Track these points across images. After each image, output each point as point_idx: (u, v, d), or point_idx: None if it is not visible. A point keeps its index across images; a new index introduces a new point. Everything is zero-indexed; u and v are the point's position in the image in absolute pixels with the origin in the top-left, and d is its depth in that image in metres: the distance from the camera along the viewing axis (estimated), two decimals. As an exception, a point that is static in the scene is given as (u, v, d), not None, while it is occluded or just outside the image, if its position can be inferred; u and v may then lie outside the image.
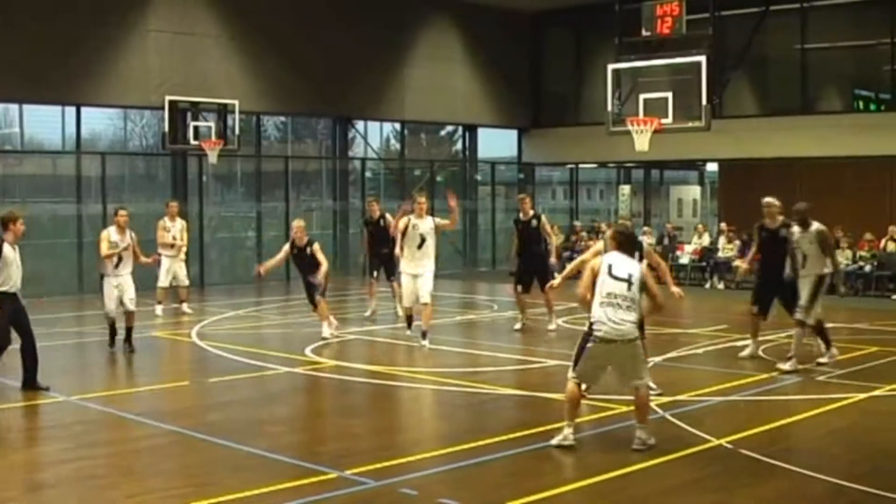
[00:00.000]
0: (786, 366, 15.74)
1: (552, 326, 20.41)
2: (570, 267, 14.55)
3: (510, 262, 22.38)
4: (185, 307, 23.34)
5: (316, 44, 31.84)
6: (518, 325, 20.71)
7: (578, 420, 11.74)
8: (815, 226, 16.16)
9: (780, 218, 16.83)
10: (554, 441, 11.26)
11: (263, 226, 32.76)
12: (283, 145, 35.61)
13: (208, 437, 11.80)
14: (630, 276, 11.28)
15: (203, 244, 30.26)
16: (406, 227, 18.81)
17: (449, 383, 15.05)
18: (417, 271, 18.79)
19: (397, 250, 19.16)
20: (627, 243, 11.93)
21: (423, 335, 18.41)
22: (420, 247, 18.76)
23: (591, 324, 11.25)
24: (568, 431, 11.25)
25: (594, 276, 11.39)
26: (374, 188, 36.81)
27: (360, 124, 35.54)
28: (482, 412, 13.75)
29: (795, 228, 16.27)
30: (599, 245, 14.20)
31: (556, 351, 17.79)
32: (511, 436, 11.70)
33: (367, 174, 36.15)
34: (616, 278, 11.27)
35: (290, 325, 22.05)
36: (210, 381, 15.68)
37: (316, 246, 19.42)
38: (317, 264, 19.32)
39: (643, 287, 11.34)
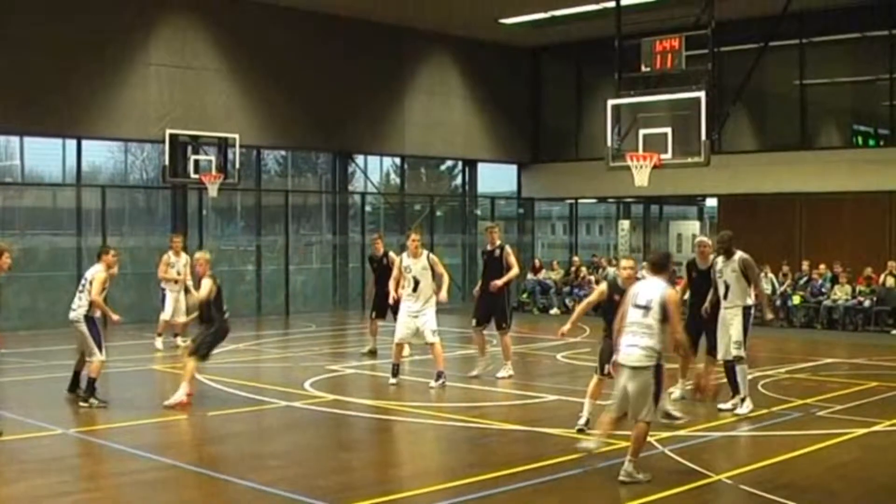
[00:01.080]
0: (743, 409, 15.37)
1: (503, 373, 18.91)
2: (577, 311, 14.53)
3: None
4: (179, 340, 23.18)
5: (316, 78, 31.95)
6: (476, 372, 19.14)
7: (582, 456, 11.79)
8: (739, 254, 15.78)
9: (712, 257, 16.41)
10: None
11: (263, 259, 32.77)
12: (283, 179, 35.61)
13: (206, 472, 11.78)
14: (649, 302, 11.35)
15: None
16: (400, 268, 18.55)
17: (448, 418, 15.03)
18: (414, 310, 18.23)
19: (394, 293, 18.73)
20: (657, 266, 11.91)
21: (438, 376, 17.91)
22: (415, 290, 18.22)
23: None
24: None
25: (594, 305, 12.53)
26: (374, 222, 36.81)
27: (359, 158, 35.57)
28: (482, 447, 13.72)
29: (719, 259, 16.00)
30: (603, 286, 14.36)
31: (555, 386, 17.80)
32: (511, 471, 11.66)
33: (367, 208, 36.16)
34: (636, 306, 11.45)
35: (289, 359, 22.03)
36: (209, 414, 15.64)
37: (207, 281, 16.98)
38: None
39: (665, 315, 11.32)
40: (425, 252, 18.54)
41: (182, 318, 23.02)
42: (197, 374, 16.65)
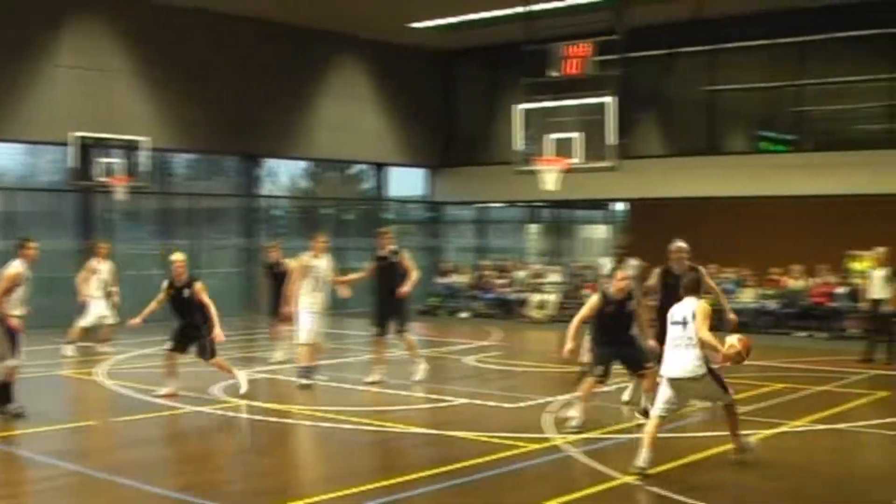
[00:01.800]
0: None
1: (418, 377, 18.80)
2: (573, 327, 14.44)
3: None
4: (103, 347, 22.94)
5: (225, 81, 31.74)
6: (372, 378, 18.74)
7: (492, 458, 11.81)
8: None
9: (688, 263, 16.55)
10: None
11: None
12: (192, 182, 35.34)
13: (114, 478, 11.62)
14: (685, 318, 12.17)
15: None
16: (305, 268, 18.58)
17: (358, 422, 14.97)
18: (315, 311, 18.35)
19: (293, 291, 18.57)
20: (689, 289, 12.60)
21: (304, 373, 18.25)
22: (317, 290, 18.40)
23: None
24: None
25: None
26: (283, 226, 36.63)
27: (269, 162, 35.40)
28: (391, 451, 13.71)
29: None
30: (595, 298, 14.68)
31: (464, 389, 17.81)
32: (419, 474, 11.64)
33: (276, 212, 35.98)
34: (674, 323, 12.28)
35: (198, 364, 21.80)
36: (117, 420, 15.49)
37: (198, 286, 17.61)
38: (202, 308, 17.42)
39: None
40: (327, 254, 18.75)
41: (111, 322, 22.83)
42: (108, 381, 16.47)
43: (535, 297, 32.53)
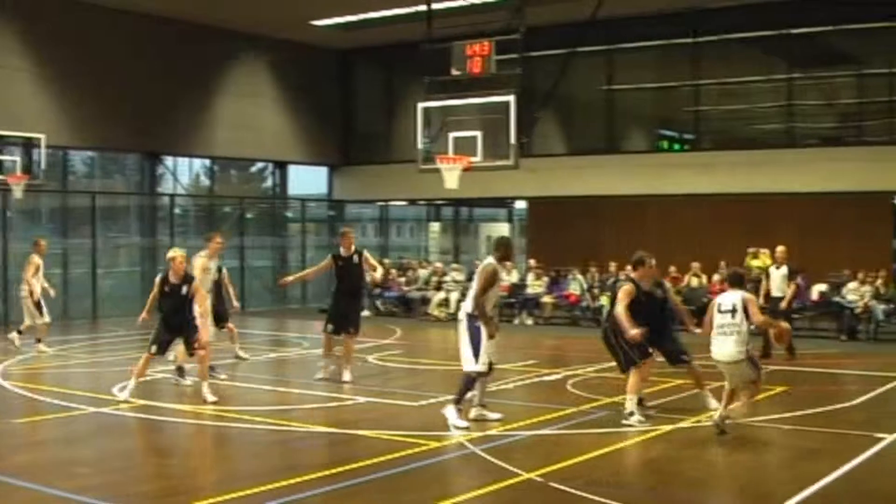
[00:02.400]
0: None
1: (348, 377, 18.69)
2: (625, 317, 14.72)
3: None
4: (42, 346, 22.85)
5: (125, 78, 31.44)
6: (320, 375, 18.89)
7: (395, 457, 11.81)
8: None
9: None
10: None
11: (70, 262, 32.08)
12: (91, 180, 34.95)
13: (11, 480, 11.45)
14: (733, 306, 13.67)
15: (7, 281, 29.48)
16: (205, 268, 18.67)
17: (259, 421, 14.91)
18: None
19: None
20: (734, 281, 14.28)
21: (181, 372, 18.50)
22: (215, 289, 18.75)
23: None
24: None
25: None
26: (184, 224, 36.37)
27: (168, 160, 35.13)
28: (293, 450, 13.64)
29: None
30: (629, 286, 15.21)
31: (366, 388, 17.79)
32: (322, 473, 11.61)
33: (177, 210, 35.71)
34: (722, 311, 13.76)
35: (97, 364, 21.61)
36: (14, 422, 15.28)
37: (196, 283, 17.10)
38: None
39: (747, 314, 13.63)
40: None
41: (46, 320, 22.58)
42: (4, 381, 16.22)
43: (438, 296, 32.57)
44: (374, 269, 19.59)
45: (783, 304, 22.29)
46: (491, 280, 14.51)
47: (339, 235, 19.80)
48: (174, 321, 16.79)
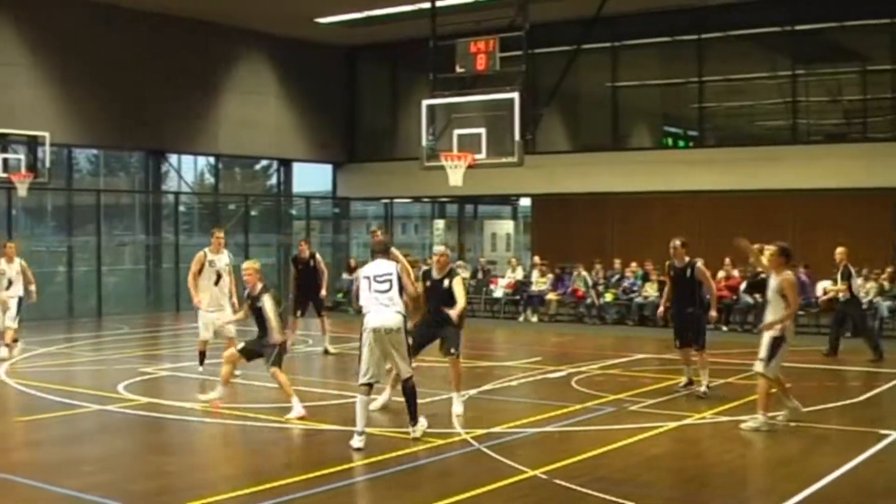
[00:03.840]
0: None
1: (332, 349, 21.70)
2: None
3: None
4: (3, 351, 21.74)
5: (129, 75, 31.45)
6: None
7: (400, 454, 11.82)
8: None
9: (687, 258, 17.29)
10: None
11: (75, 260, 32.12)
12: (95, 178, 34.97)
13: (15, 478, 11.47)
14: (772, 289, 14.28)
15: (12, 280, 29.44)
16: (203, 264, 18.69)
17: (264, 419, 14.92)
18: (215, 306, 18.65)
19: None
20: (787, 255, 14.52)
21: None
22: (217, 283, 18.65)
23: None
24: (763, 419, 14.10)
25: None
26: (188, 222, 36.40)
27: (173, 158, 35.13)
28: (299, 447, 13.67)
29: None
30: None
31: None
32: (327, 470, 11.61)
33: (181, 208, 35.73)
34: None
35: (102, 362, 21.63)
36: (19, 420, 15.30)
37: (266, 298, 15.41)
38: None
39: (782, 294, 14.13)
40: (226, 250, 19.15)
41: (14, 326, 22.01)
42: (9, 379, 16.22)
43: (442, 293, 32.50)
44: (324, 272, 22.59)
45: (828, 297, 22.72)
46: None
47: (300, 242, 21.17)
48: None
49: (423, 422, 13.52)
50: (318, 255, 22.80)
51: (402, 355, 13.36)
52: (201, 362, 19.01)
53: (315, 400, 16.56)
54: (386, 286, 13.27)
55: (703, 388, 16.82)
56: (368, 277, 13.39)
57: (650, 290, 29.06)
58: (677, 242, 17.45)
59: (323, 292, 22.81)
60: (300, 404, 14.93)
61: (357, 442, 12.76)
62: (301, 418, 14.70)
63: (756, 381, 14.51)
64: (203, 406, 15.75)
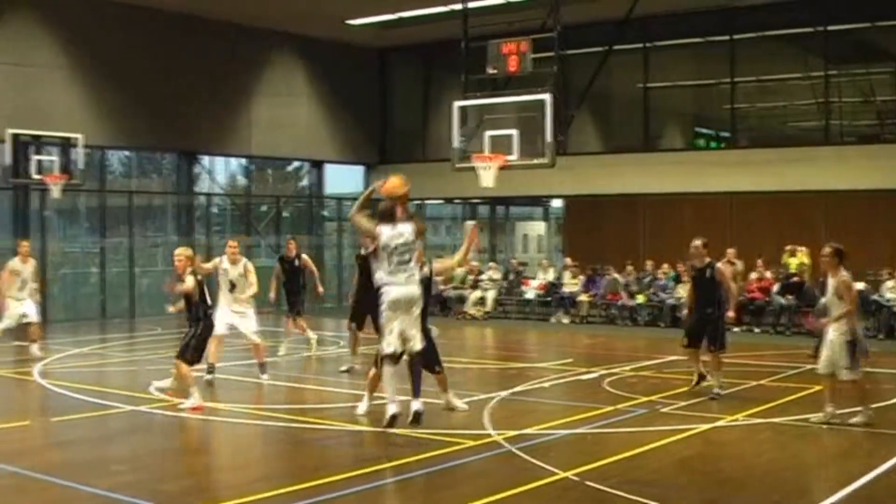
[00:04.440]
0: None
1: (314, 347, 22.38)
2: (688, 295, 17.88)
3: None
4: (35, 349, 21.81)
5: (160, 78, 31.58)
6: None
7: (431, 455, 11.84)
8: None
9: (707, 259, 17.38)
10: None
11: (107, 261, 32.24)
12: (128, 180, 35.11)
13: (48, 478, 11.51)
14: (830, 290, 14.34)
15: (46, 280, 29.61)
16: (215, 269, 18.94)
17: (295, 420, 14.94)
18: (234, 309, 18.77)
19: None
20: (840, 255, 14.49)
21: (263, 368, 18.67)
22: (231, 291, 18.78)
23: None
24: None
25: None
26: (220, 224, 36.49)
27: (205, 159, 35.24)
28: (329, 448, 13.65)
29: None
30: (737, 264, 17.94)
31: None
32: (355, 472, 11.61)
33: (213, 210, 35.84)
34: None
35: (134, 363, 21.71)
36: (52, 420, 15.36)
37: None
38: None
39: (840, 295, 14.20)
40: (243, 259, 19.15)
41: (37, 320, 22.12)
42: (43, 380, 16.27)
43: (474, 295, 32.57)
44: (314, 273, 23.17)
45: None
46: None
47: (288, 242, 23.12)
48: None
49: (417, 405, 13.50)
50: (304, 256, 22.75)
51: (419, 328, 13.61)
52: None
53: (346, 401, 16.56)
54: (406, 256, 13.41)
55: (715, 390, 16.78)
56: (387, 247, 13.37)
57: (683, 292, 28.95)
58: (698, 242, 17.46)
59: (320, 289, 23.07)
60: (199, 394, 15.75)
61: (393, 408, 13.19)
62: (196, 409, 15.41)
63: (816, 384, 14.48)
64: (229, 407, 15.78)
